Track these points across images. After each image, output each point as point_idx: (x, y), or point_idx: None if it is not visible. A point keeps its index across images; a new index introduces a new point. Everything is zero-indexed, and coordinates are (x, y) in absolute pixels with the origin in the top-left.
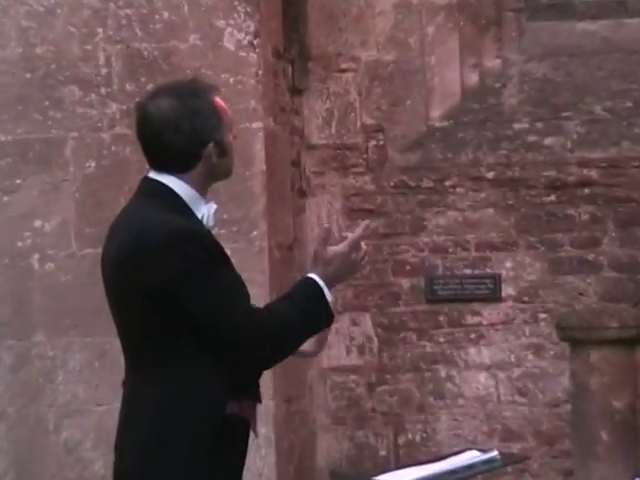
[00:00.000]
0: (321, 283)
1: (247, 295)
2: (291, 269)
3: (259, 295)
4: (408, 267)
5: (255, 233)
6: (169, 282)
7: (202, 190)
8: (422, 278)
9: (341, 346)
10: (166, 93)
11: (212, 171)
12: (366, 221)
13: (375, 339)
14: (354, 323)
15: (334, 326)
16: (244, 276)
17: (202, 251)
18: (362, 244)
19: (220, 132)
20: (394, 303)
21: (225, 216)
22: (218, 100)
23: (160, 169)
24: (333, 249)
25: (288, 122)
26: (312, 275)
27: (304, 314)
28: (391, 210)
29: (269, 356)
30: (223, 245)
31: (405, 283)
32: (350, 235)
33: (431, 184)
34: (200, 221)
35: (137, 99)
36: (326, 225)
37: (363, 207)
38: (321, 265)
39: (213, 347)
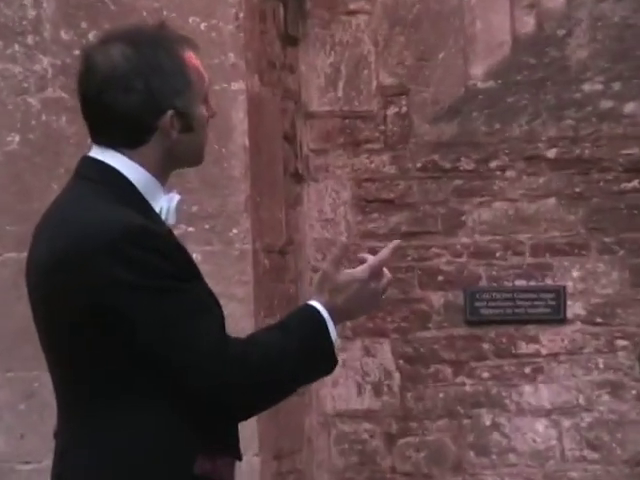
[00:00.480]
0: (325, 315)
1: (221, 318)
2: (283, 280)
3: (241, 315)
4: (441, 277)
5: (235, 232)
6: (113, 299)
7: (160, 175)
8: (460, 292)
9: (350, 383)
10: (121, 39)
11: (171, 151)
12: (396, 242)
13: (396, 374)
14: (368, 353)
15: (341, 356)
16: (219, 290)
17: (160, 258)
18: (386, 271)
19: (186, 98)
20: (422, 326)
21: (194, 209)
22: (191, 57)
23: (103, 142)
24: (348, 273)
25: (279, 82)
26: (314, 303)
27: (299, 353)
28: (418, 201)
29: (247, 404)
30: (191, 248)
31: (437, 299)
32: (370, 257)
33: (472, 165)
34: (158, 216)
35: (77, 51)
36: (343, 239)
37: (380, 197)
38: (328, 291)
39: (174, 388)
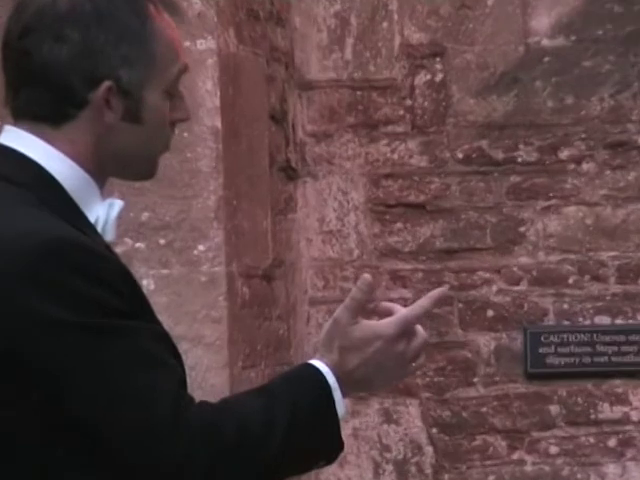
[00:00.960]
0: (332, 382)
1: (180, 372)
2: (269, 316)
3: (209, 367)
4: (490, 312)
5: (201, 249)
6: (29, 342)
7: (95, 172)
8: (518, 334)
9: (364, 461)
10: None
11: (104, 141)
12: (442, 289)
13: (428, 449)
14: (389, 418)
15: (351, 423)
16: (180, 331)
17: (97, 286)
18: (420, 329)
19: (138, 73)
20: (464, 381)
21: (144, 216)
22: (168, 25)
23: (19, 114)
24: (368, 326)
25: (264, 39)
26: (318, 364)
27: (291, 432)
28: (459, 205)
29: None
30: (139, 272)
31: (485, 343)
32: (399, 308)
33: (534, 156)
34: (93, 229)
35: None
36: (366, 275)
37: (406, 201)
38: (339, 349)
39: (115, 472)
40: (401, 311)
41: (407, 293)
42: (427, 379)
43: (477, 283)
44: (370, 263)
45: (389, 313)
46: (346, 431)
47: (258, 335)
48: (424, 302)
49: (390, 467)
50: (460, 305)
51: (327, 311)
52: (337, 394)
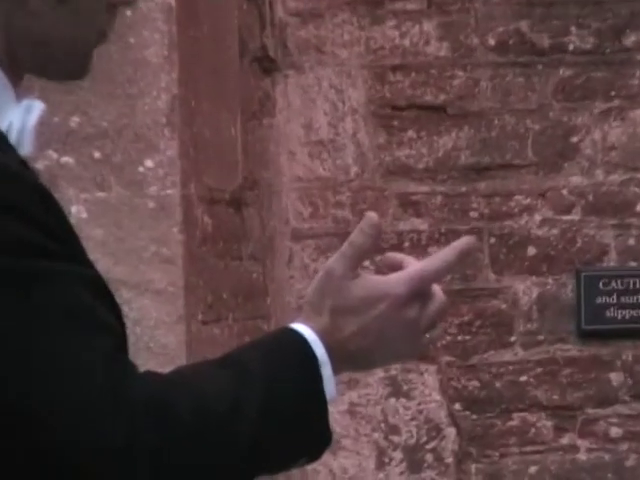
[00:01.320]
0: (319, 353)
1: (119, 331)
2: (238, 254)
3: (160, 321)
4: (532, 251)
5: (149, 165)
6: None
7: (7, 63)
8: (569, 278)
9: (364, 447)
10: None
11: (16, 25)
12: (468, 238)
13: (450, 431)
14: (398, 390)
15: (348, 396)
16: (121, 274)
17: (8, 216)
18: (438, 289)
19: None
20: (497, 341)
21: (73, 122)
22: None
23: None
24: (371, 281)
25: None
26: (303, 328)
27: (265, 416)
28: (490, 107)
29: None
30: (67, 197)
31: (525, 290)
32: (411, 260)
33: (590, 42)
34: (4, 138)
35: None
36: (372, 214)
37: (420, 101)
38: (330, 311)
39: (43, 463)
40: (415, 265)
41: (422, 224)
42: (448, 338)
43: (514, 211)
44: (373, 184)
45: (398, 267)
46: (340, 407)
47: (224, 280)
48: (447, 254)
49: (399, 455)
50: (492, 240)
51: (315, 248)
52: (326, 369)
